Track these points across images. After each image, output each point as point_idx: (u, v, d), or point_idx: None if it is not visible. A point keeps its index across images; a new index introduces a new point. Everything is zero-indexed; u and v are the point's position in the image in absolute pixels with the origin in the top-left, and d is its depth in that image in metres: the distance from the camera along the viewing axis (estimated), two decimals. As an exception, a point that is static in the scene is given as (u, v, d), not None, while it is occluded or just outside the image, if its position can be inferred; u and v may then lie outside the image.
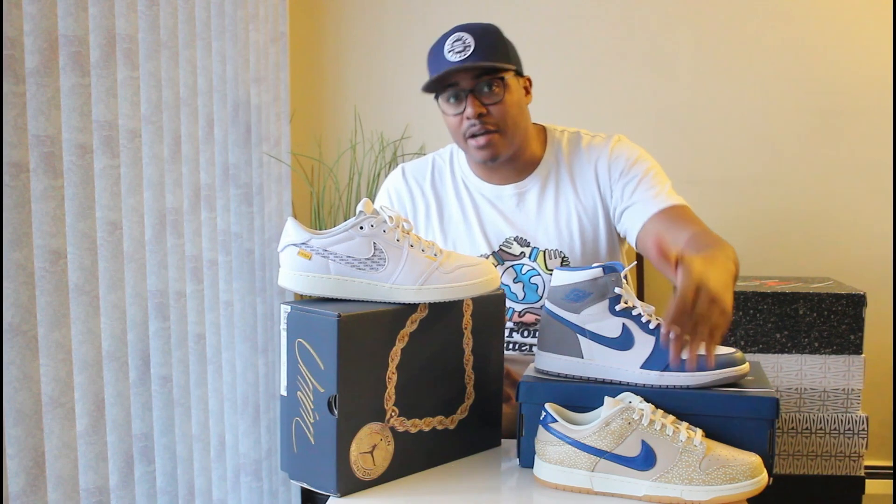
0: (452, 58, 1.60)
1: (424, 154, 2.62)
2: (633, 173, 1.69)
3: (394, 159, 2.64)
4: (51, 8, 1.17)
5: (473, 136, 1.64)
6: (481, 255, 1.73)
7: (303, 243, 1.22)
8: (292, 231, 1.23)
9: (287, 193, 2.45)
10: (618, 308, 1.27)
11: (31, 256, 1.12)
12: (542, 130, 1.78)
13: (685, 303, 1.14)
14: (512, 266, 1.73)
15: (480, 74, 1.61)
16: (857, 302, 2.12)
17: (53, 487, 1.21)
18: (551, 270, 1.68)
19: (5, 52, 1.07)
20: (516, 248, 1.73)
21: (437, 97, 1.68)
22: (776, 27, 2.56)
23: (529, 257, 1.72)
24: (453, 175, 1.79)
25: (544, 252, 1.72)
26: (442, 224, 1.77)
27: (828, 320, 2.13)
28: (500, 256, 1.73)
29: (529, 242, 1.73)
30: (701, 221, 1.65)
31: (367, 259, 1.21)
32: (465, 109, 1.63)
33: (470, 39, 1.61)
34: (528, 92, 1.72)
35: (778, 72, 2.57)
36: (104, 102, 1.36)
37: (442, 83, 1.63)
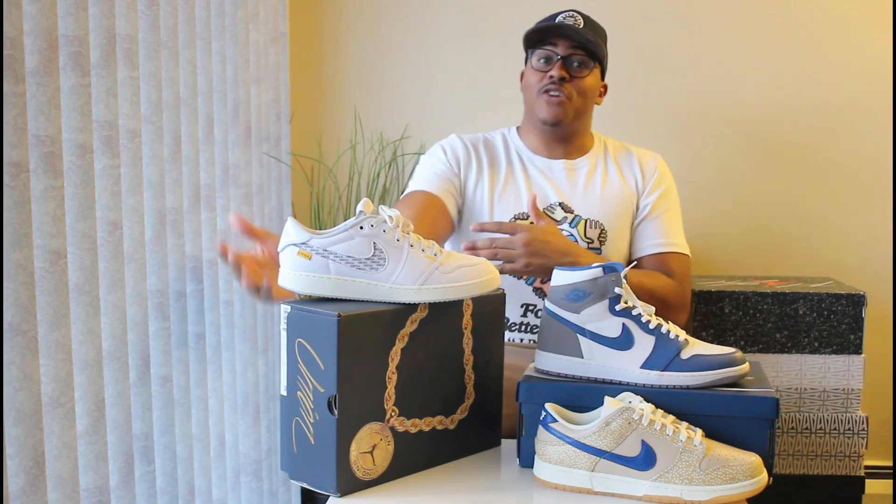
0: (563, 21, 1.81)
1: (423, 154, 2.62)
2: (661, 201, 1.87)
3: (394, 159, 2.64)
4: (51, 8, 1.17)
5: (549, 92, 1.80)
6: (524, 213, 1.83)
7: (303, 243, 1.22)
8: (292, 231, 1.23)
9: (287, 193, 2.45)
10: (618, 308, 1.27)
11: (31, 256, 1.12)
12: (590, 135, 1.98)
13: (504, 228, 1.60)
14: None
15: (577, 47, 1.80)
16: (857, 302, 2.12)
17: (53, 487, 1.21)
18: (589, 239, 1.82)
19: (5, 52, 1.07)
20: (559, 213, 1.83)
21: (528, 55, 1.86)
22: (776, 27, 2.56)
23: (570, 224, 1.82)
24: (507, 147, 1.92)
25: (586, 221, 1.83)
26: (491, 181, 1.86)
27: (828, 320, 2.13)
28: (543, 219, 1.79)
29: (574, 210, 1.83)
30: (685, 275, 1.85)
31: (367, 259, 1.21)
32: (550, 69, 1.80)
33: (581, 20, 1.83)
34: (601, 95, 1.92)
35: (778, 71, 2.57)
36: (104, 102, 1.36)
37: (546, 35, 1.81)
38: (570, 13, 1.83)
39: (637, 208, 1.87)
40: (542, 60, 1.82)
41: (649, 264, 1.84)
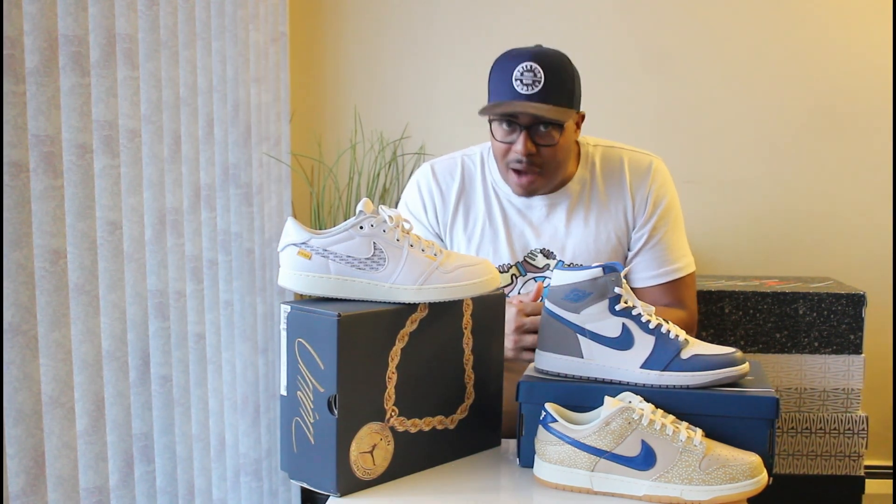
0: (520, 89, 1.57)
1: (424, 154, 2.63)
2: (659, 224, 1.73)
3: (394, 159, 2.64)
4: (51, 8, 1.17)
5: (516, 170, 1.64)
6: (504, 265, 1.73)
7: (303, 243, 1.22)
8: (292, 231, 1.23)
9: (287, 193, 2.45)
10: (618, 308, 1.27)
11: (31, 256, 1.12)
12: (576, 144, 1.76)
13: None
14: (534, 278, 1.73)
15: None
16: (856, 302, 2.12)
17: (53, 487, 1.21)
18: None
19: (5, 52, 1.07)
20: (541, 260, 1.73)
21: (490, 119, 1.66)
22: (776, 27, 2.56)
23: (552, 270, 1.72)
24: (483, 180, 1.77)
25: (570, 265, 1.72)
26: (467, 229, 1.76)
27: (828, 320, 2.13)
28: (524, 268, 1.73)
29: (555, 255, 1.73)
30: (691, 297, 1.77)
31: (367, 259, 1.21)
32: (515, 142, 1.61)
33: (541, 74, 1.57)
34: (578, 126, 1.70)
35: (778, 71, 2.57)
36: (104, 102, 1.36)
37: (503, 115, 1.61)
38: (529, 66, 1.56)
39: (629, 240, 1.74)
40: (504, 126, 1.62)
41: (653, 295, 1.74)
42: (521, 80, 1.57)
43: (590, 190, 1.74)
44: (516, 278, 1.73)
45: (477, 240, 1.75)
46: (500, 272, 1.73)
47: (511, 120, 1.60)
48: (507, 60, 1.61)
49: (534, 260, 1.73)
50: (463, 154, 1.82)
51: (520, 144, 1.60)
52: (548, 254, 1.73)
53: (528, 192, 1.68)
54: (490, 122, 1.65)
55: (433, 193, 1.78)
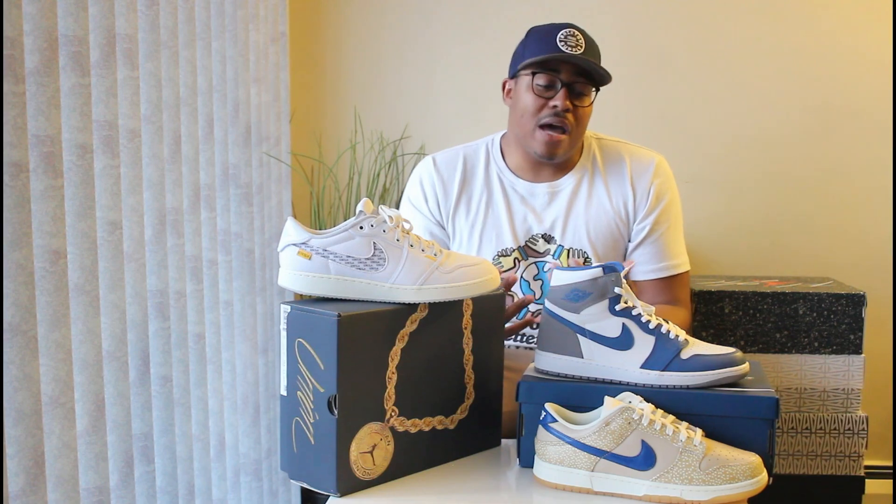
0: (565, 48, 1.66)
1: (424, 154, 2.63)
2: (661, 219, 1.77)
3: (394, 159, 2.64)
4: (51, 8, 1.17)
5: (551, 126, 1.69)
6: (507, 249, 1.76)
7: (303, 243, 1.22)
8: (292, 231, 1.23)
9: (287, 193, 2.45)
10: (618, 308, 1.27)
11: (31, 256, 1.12)
12: None
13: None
14: (535, 262, 1.76)
15: (581, 74, 1.68)
16: (856, 302, 2.12)
17: (53, 487, 1.21)
18: None
19: (5, 52, 1.07)
20: (542, 245, 1.76)
21: (526, 74, 1.70)
22: (776, 27, 2.56)
23: (553, 255, 1.75)
24: (487, 169, 1.82)
25: (569, 251, 1.76)
26: (468, 216, 1.79)
27: (828, 320, 2.13)
28: (525, 252, 1.76)
29: (556, 239, 1.76)
30: (686, 296, 1.82)
31: (367, 259, 1.21)
32: (553, 98, 1.68)
33: (583, 40, 1.69)
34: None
35: (778, 71, 2.57)
36: (104, 102, 1.36)
37: (547, 65, 1.68)
38: (572, 32, 1.68)
39: (630, 231, 1.78)
40: (542, 86, 1.68)
41: (650, 288, 1.78)
42: (566, 42, 1.67)
43: (591, 179, 1.78)
44: (519, 262, 1.76)
45: (480, 226, 1.78)
46: (503, 256, 1.77)
47: (553, 79, 1.68)
48: (547, 27, 1.71)
49: (535, 245, 1.76)
50: (464, 146, 1.86)
51: (559, 100, 1.67)
52: (549, 239, 1.76)
53: (554, 150, 1.71)
54: (532, 75, 1.69)
55: (434, 183, 1.81)
